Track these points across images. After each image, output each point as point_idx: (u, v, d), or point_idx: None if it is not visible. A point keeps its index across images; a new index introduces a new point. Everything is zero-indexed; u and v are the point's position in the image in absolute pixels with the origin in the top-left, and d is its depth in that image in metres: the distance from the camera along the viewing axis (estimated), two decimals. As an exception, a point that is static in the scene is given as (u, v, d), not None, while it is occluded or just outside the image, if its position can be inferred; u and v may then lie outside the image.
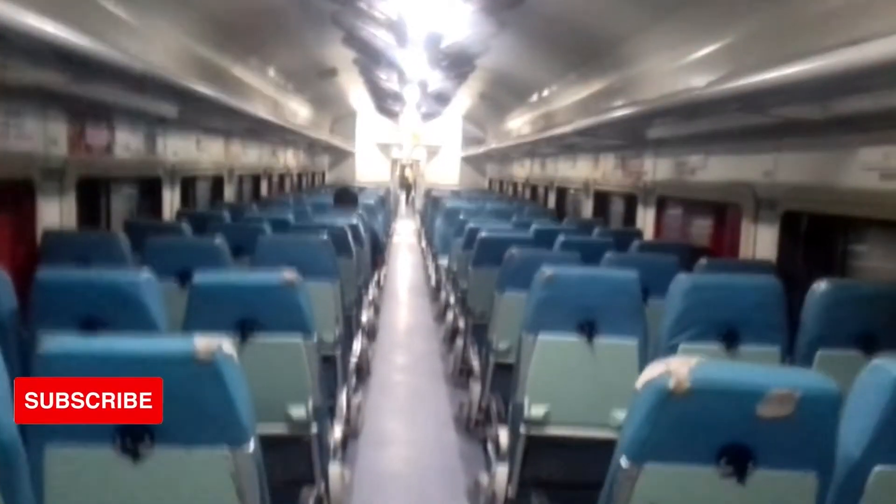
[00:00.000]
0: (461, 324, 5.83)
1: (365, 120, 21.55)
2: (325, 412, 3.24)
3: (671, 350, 2.99)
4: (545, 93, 10.88)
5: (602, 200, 8.81)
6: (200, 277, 2.90)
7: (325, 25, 8.36)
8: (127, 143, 5.65)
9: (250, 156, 10.36)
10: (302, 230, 5.30)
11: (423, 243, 14.34)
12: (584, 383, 3.10)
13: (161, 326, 2.75)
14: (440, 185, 20.23)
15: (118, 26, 4.78)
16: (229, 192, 8.79)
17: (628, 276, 3.14)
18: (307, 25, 8.83)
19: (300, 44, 9.83)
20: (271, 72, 10.26)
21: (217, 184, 8.61)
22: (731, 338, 3.08)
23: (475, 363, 4.93)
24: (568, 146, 9.18)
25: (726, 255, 5.44)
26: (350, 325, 5.14)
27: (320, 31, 9.17)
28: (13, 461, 1.52)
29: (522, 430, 3.12)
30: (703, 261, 4.18)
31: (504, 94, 13.52)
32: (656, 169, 6.77)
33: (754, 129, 4.73)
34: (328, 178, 21.09)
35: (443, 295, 8.17)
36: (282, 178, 13.27)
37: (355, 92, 16.49)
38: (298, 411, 2.95)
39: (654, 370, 1.63)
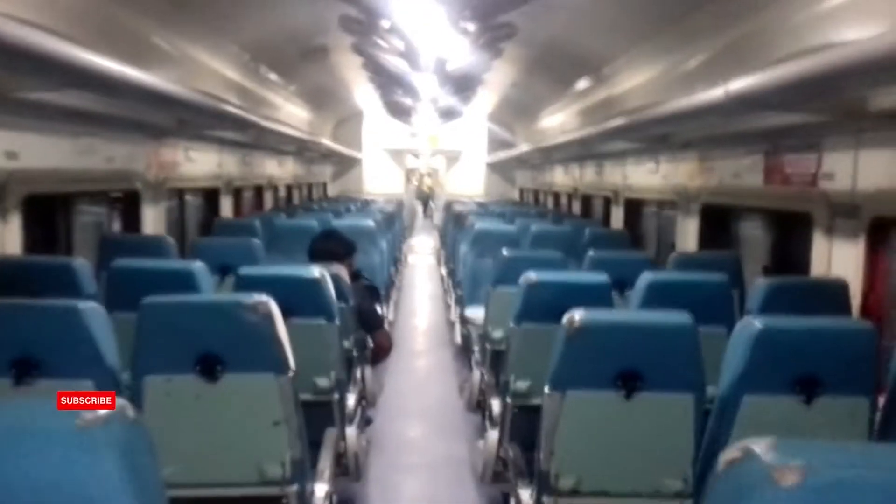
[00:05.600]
0: (525, 497, 2.82)
1: (373, 122, 18.60)
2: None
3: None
4: (605, 70, 7.92)
5: (718, 221, 5.77)
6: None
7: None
8: None
9: (203, 163, 7.46)
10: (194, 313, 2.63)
11: (444, 270, 11.34)
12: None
13: None
14: (462, 197, 17.26)
15: None
16: (153, 217, 5.86)
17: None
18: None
19: (270, 6, 6.95)
20: (234, 48, 7.39)
21: (131, 204, 5.68)
22: None
23: None
24: (658, 140, 6.16)
25: None
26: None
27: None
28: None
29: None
30: None
31: (544, 81, 10.53)
32: (860, 166, 3.77)
33: None
34: (331, 190, 18.17)
35: (475, 377, 5.15)
36: (259, 191, 10.34)
37: (360, 88, 13.60)
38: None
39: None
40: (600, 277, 3.48)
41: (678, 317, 2.37)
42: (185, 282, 3.25)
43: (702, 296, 3.29)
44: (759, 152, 4.85)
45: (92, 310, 2.27)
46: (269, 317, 2.37)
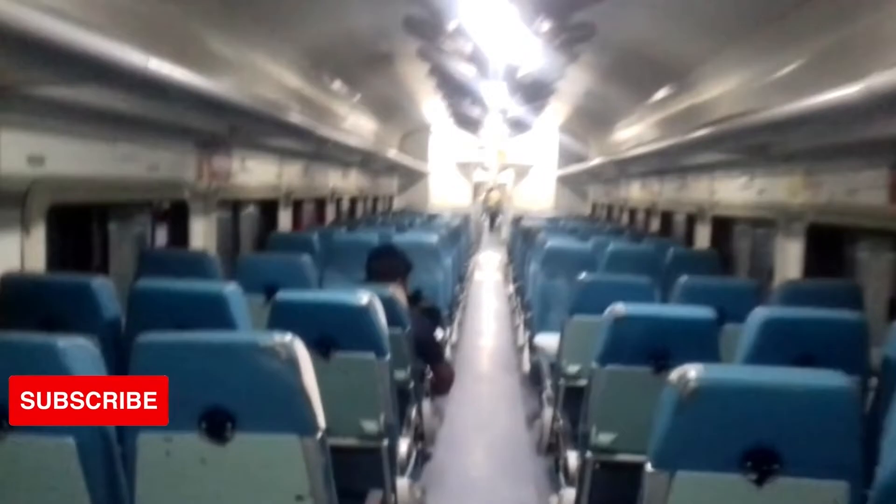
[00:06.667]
0: None
1: (440, 135, 18.23)
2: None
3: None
4: (690, 77, 7.27)
5: (825, 244, 5.05)
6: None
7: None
8: None
9: (261, 173, 7.11)
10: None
11: (511, 289, 10.78)
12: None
13: None
14: (531, 211, 16.69)
15: None
16: (203, 231, 5.49)
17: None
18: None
19: (331, 8, 6.56)
20: (294, 53, 7.03)
21: (178, 215, 5.33)
22: None
23: None
24: (755, 151, 5.48)
25: None
26: None
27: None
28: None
29: None
30: None
31: (621, 89, 9.90)
32: None
33: None
34: (397, 203, 17.83)
35: (546, 417, 4.58)
36: (321, 204, 9.99)
37: (428, 100, 13.22)
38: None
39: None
40: (704, 313, 2.89)
41: (831, 378, 1.78)
42: (217, 307, 2.81)
43: (830, 339, 2.72)
44: (883, 165, 4.16)
45: (76, 349, 1.87)
46: (293, 361, 1.89)
